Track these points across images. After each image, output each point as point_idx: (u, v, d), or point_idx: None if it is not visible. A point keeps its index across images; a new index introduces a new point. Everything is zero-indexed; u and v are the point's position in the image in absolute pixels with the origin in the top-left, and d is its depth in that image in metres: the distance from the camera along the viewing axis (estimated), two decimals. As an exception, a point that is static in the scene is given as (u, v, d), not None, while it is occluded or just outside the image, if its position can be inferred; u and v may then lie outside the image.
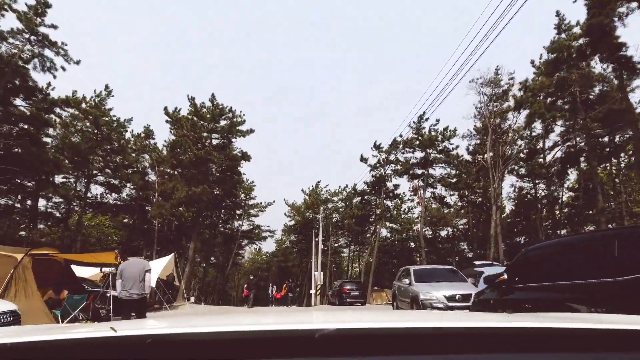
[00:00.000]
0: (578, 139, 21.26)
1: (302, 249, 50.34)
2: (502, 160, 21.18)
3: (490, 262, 13.33)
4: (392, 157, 34.13)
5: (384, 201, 34.08)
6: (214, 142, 27.41)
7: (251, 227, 46.20)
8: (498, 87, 24.64)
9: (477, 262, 13.97)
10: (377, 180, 35.14)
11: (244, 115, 26.18)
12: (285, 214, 43.68)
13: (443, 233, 48.34)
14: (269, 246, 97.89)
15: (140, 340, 0.72)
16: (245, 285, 19.85)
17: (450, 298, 9.62)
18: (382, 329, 0.79)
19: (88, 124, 24.17)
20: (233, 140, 27.79)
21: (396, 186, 35.50)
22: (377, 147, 34.34)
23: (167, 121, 25.54)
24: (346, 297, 25.13)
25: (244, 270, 79.20)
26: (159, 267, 18.21)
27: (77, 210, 31.62)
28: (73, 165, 23.59)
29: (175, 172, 27.17)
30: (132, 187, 30.79)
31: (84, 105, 23.52)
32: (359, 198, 36.93)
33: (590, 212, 26.79)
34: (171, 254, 19.52)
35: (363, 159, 34.83)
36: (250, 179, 45.72)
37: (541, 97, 17.66)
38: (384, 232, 44.90)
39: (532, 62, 23.66)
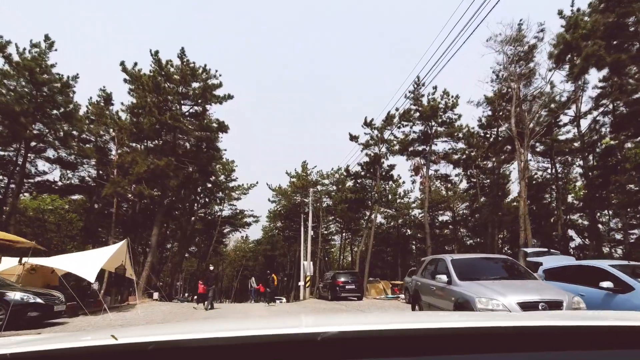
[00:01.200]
0: (618, 101, 17.83)
1: (289, 236, 46.57)
2: (529, 129, 17.53)
3: (547, 250, 9.70)
4: (387, 135, 30.36)
5: (381, 182, 30.32)
6: (185, 108, 23.06)
7: (233, 212, 42.06)
8: (521, 44, 20.85)
9: (529, 250, 10.25)
10: (372, 160, 31.32)
11: (220, 75, 21.86)
12: (269, 199, 39.64)
13: (442, 218, 45.15)
14: (256, 233, 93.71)
15: (142, 348, 0.70)
16: (201, 281, 15.38)
17: (529, 307, 5.87)
18: (384, 330, 0.78)
19: (24, 83, 19.52)
20: (208, 107, 23.47)
21: (392, 167, 31.72)
22: (368, 124, 30.34)
23: (125, 80, 21.05)
24: (340, 290, 21.52)
25: (229, 259, 75.26)
26: (104, 257, 14.16)
27: (29, 191, 27.06)
28: (5, 133, 19.01)
29: (141, 147, 22.83)
30: (89, 163, 26.27)
31: (15, 58, 18.84)
32: (353, 181, 33.04)
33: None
34: (122, 241, 15.45)
35: (353, 138, 30.86)
36: (231, 158, 41.56)
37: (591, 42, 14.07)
38: (379, 218, 41.42)
39: (561, 12, 19.85)
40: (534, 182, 30.96)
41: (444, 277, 7.50)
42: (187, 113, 23.72)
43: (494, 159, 27.00)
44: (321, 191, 38.28)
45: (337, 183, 37.79)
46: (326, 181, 37.95)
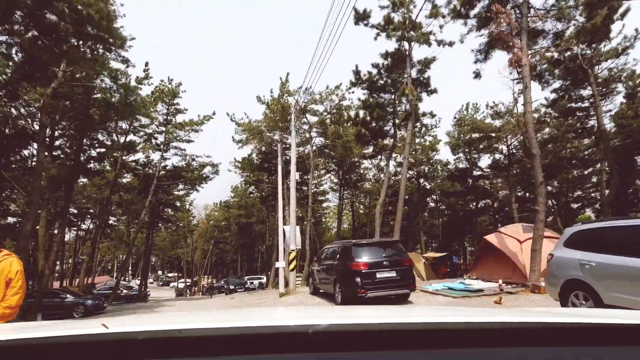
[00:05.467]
0: None
1: (266, 196, 33.84)
2: None
3: None
4: (417, 13, 17.35)
5: (415, 91, 17.46)
6: None
7: (183, 157, 28.75)
8: None
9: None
10: (395, 53, 18.35)
11: None
12: (232, 138, 26.34)
13: (483, 163, 32.68)
14: (226, 193, 79.86)
15: (132, 337, 0.71)
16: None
17: None
18: (374, 324, 0.80)
19: None
20: None
21: (430, 60, 18.79)
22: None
23: None
24: (367, 284, 9.42)
25: (200, 230, 62.65)
26: None
27: None
28: None
29: None
30: None
31: None
32: (366, 91, 20.00)
33: None
34: None
35: (360, 17, 17.78)
36: (176, 80, 28.01)
37: None
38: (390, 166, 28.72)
39: None
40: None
41: None
42: None
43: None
44: (312, 125, 25.19)
45: (336, 111, 24.72)
46: (319, 107, 24.82)
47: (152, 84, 22.56)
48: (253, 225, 42.81)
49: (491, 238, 14.19)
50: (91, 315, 17.08)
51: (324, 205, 42.89)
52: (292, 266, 15.26)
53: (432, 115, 22.99)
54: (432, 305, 9.94)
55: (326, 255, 12.13)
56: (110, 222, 41.44)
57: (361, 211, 42.57)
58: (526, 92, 11.97)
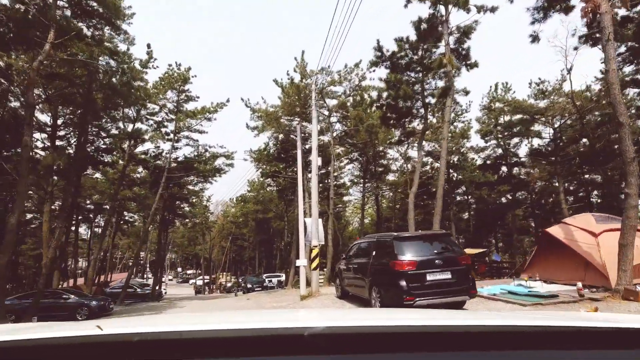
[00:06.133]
0: None
1: (284, 189, 31.96)
2: None
3: None
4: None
5: (453, 58, 15.03)
6: None
7: (195, 147, 27.13)
8: None
9: None
10: (431, 20, 15.95)
11: None
12: (247, 124, 24.45)
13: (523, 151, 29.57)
14: (241, 187, 78.31)
15: (127, 339, 0.70)
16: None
17: None
18: (370, 327, 0.82)
19: None
20: None
21: (467, 30, 16.29)
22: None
23: None
24: (414, 286, 7.23)
25: (217, 227, 61.48)
26: None
27: None
28: None
29: None
30: None
31: None
32: (389, 70, 17.63)
33: None
34: None
35: None
36: (185, 63, 26.36)
37: None
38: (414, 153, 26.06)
39: None
40: None
41: None
42: None
43: None
44: (331, 107, 23.05)
45: (356, 93, 22.47)
46: (337, 89, 22.63)
47: (157, 67, 20.99)
48: (270, 220, 41.11)
49: (554, 231, 11.77)
50: (95, 317, 15.56)
51: (345, 199, 40.73)
52: (314, 264, 13.26)
53: (466, 93, 20.37)
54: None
55: (357, 252, 10.08)
56: (127, 218, 40.65)
57: (384, 204, 40.23)
58: (608, 45, 9.50)
